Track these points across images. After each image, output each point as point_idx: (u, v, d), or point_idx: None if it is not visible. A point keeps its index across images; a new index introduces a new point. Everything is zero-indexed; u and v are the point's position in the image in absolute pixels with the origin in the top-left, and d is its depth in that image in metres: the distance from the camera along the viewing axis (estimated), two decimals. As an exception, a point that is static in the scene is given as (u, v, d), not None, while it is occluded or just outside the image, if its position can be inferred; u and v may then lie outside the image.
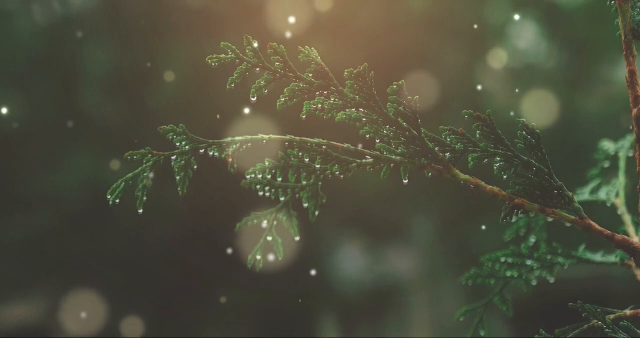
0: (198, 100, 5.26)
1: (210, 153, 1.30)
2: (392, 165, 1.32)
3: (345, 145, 1.31)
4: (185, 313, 5.56)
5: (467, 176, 1.33)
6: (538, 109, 5.68)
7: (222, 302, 5.55)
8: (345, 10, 5.41)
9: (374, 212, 5.75)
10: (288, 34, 4.90)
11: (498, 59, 5.75)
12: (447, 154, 1.32)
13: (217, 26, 5.29)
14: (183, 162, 1.30)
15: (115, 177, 1.40)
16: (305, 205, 1.34)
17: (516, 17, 5.96)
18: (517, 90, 5.80)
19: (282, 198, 1.33)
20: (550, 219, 1.37)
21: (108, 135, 5.39)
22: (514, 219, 1.34)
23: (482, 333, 1.72)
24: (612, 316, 1.37)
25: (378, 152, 1.31)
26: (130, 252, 5.31)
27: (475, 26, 5.61)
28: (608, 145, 1.94)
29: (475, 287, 1.72)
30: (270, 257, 1.46)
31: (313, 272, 5.62)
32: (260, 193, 1.32)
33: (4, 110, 5.37)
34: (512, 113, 5.18)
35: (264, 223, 1.34)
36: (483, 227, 5.30)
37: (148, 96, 5.41)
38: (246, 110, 5.07)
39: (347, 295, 5.83)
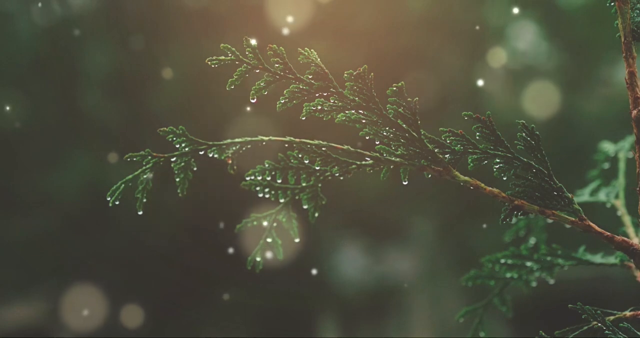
0: (198, 101, 5.26)
1: (210, 155, 1.30)
2: (392, 166, 1.32)
3: (345, 146, 1.32)
4: (185, 313, 5.56)
5: (466, 177, 1.33)
6: (538, 110, 5.68)
7: (222, 302, 5.55)
8: (345, 11, 5.41)
9: (374, 212, 5.75)
10: (288, 35, 4.90)
11: (498, 60, 5.75)
12: (447, 155, 1.32)
13: (217, 27, 5.29)
14: (183, 163, 1.30)
15: (115, 178, 1.40)
16: (305, 206, 1.34)
17: (516, 18, 5.96)
18: (516, 92, 5.80)
19: (282, 200, 1.33)
20: (550, 221, 1.37)
21: (108, 136, 5.39)
22: (513, 220, 1.34)
23: (482, 334, 1.72)
24: (612, 317, 1.37)
25: (378, 154, 1.31)
26: (130, 252, 5.31)
27: (476, 27, 5.61)
28: (608, 147, 1.94)
29: (475, 288, 1.72)
30: (271, 258, 1.46)
31: (313, 273, 5.62)
32: (260, 194, 1.32)
33: (5, 111, 5.37)
34: (511, 114, 5.18)
35: (264, 224, 1.35)
36: (483, 227, 5.30)
37: (148, 97, 5.41)
38: (246, 111, 5.08)
39: (347, 296, 5.83)
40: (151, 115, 5.34)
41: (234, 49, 1.31)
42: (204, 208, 5.36)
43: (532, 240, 1.84)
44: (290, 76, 1.31)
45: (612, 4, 1.37)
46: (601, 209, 1.82)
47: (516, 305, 1.77)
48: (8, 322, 5.46)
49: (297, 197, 1.33)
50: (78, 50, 5.46)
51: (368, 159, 1.31)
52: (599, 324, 1.31)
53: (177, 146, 1.31)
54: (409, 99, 1.30)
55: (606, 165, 1.91)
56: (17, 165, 5.30)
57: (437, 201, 5.69)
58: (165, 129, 1.30)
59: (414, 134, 1.31)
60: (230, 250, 4.93)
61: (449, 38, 5.64)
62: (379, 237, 5.94)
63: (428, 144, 1.31)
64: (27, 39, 5.49)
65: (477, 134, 1.32)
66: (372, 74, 1.31)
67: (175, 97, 5.33)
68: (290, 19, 5.14)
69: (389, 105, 1.31)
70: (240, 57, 1.31)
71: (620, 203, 1.77)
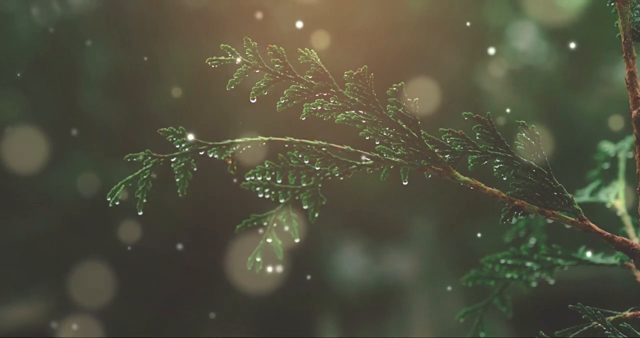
0: (198, 101, 5.26)
1: (210, 155, 1.30)
2: (392, 166, 1.32)
3: (345, 147, 1.32)
4: (185, 313, 5.56)
5: (466, 178, 1.33)
6: (538, 111, 5.68)
7: (222, 303, 5.55)
8: (345, 11, 5.41)
9: (374, 212, 5.75)
10: (288, 35, 4.90)
11: (498, 60, 5.75)
12: (447, 155, 1.32)
13: (217, 27, 5.29)
14: (183, 164, 1.30)
15: (115, 178, 1.40)
16: (305, 206, 1.34)
17: (516, 18, 5.96)
18: (516, 92, 5.80)
19: (282, 200, 1.33)
20: (550, 221, 1.37)
21: (108, 136, 5.39)
22: (514, 221, 1.34)
23: (482, 335, 1.72)
24: (612, 318, 1.37)
25: (378, 154, 1.31)
26: (130, 252, 5.31)
27: (476, 27, 5.61)
28: (608, 147, 1.94)
29: (475, 288, 1.72)
30: (271, 259, 1.46)
31: (313, 273, 5.62)
32: (261, 195, 1.32)
33: (4, 111, 5.37)
34: (511, 114, 5.18)
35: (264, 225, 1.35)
36: (483, 229, 5.30)
37: (148, 97, 5.41)
38: (246, 112, 5.08)
39: (347, 296, 5.83)
40: (151, 115, 5.34)
41: (233, 49, 1.31)
42: (204, 208, 5.36)
43: (532, 241, 1.85)
44: (290, 76, 1.31)
45: (612, 4, 1.37)
46: (601, 209, 1.82)
47: (516, 305, 1.77)
48: (8, 322, 5.46)
49: (297, 198, 1.33)
50: (78, 50, 5.46)
51: (368, 159, 1.31)
52: (599, 324, 1.31)
53: (177, 146, 1.31)
54: (409, 99, 1.30)
55: (606, 165, 1.91)
56: (17, 165, 5.31)
57: (437, 201, 5.69)
58: (165, 129, 1.30)
59: (414, 134, 1.31)
60: (230, 251, 4.93)
61: (449, 38, 5.64)
62: (379, 237, 5.94)
63: (428, 144, 1.31)
64: (27, 39, 5.49)
65: (477, 134, 1.32)
66: (372, 74, 1.31)
67: (175, 97, 5.33)
68: (290, 19, 5.14)
69: (389, 105, 1.31)
70: (240, 57, 1.31)
71: (620, 204, 1.77)
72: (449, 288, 5.28)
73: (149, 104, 5.39)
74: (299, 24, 5.14)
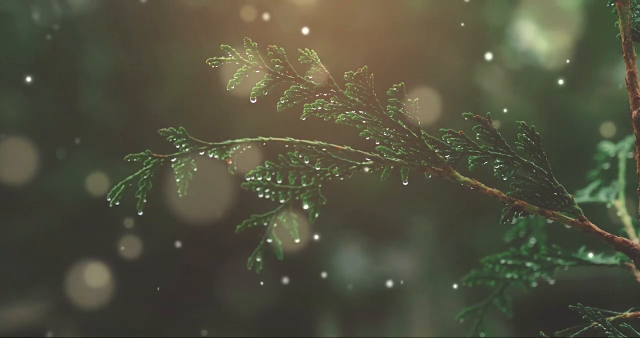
0: (198, 101, 5.26)
1: (211, 155, 1.31)
2: (392, 167, 1.32)
3: (345, 147, 1.32)
4: (185, 313, 5.56)
5: (467, 178, 1.33)
6: (538, 111, 5.68)
7: (221, 302, 5.55)
8: (345, 10, 5.41)
9: (374, 213, 5.75)
10: (288, 35, 4.90)
11: (498, 60, 5.75)
12: (447, 156, 1.33)
13: (217, 27, 5.29)
14: (183, 164, 1.30)
15: (115, 178, 1.40)
16: (306, 207, 1.34)
17: (516, 18, 5.96)
18: (516, 92, 5.80)
19: (282, 200, 1.33)
20: (550, 221, 1.37)
21: (108, 136, 5.39)
22: (514, 221, 1.34)
23: (482, 335, 1.72)
24: (612, 318, 1.37)
25: (378, 155, 1.31)
26: (130, 253, 5.31)
27: (475, 27, 5.61)
28: (608, 147, 1.94)
29: (475, 288, 1.72)
30: (271, 258, 1.46)
31: (313, 273, 5.62)
32: (261, 195, 1.32)
33: (4, 111, 5.37)
34: (511, 114, 5.18)
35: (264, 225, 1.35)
36: (483, 229, 5.30)
37: (149, 97, 5.41)
38: (246, 112, 5.08)
39: (347, 296, 5.82)
40: (151, 115, 5.34)
41: (233, 49, 1.31)
42: (204, 208, 5.36)
43: (532, 241, 1.85)
44: (291, 77, 1.31)
45: (612, 4, 1.37)
46: (601, 209, 1.82)
47: (516, 305, 1.77)
48: (8, 322, 5.46)
49: (297, 198, 1.33)
50: (78, 50, 5.46)
51: (368, 159, 1.31)
52: (599, 325, 1.31)
53: (177, 147, 1.31)
54: (409, 100, 1.30)
55: (606, 166, 1.91)
56: (16, 165, 5.30)
57: (437, 201, 5.69)
58: (165, 129, 1.30)
59: (414, 134, 1.31)
60: (230, 251, 4.93)
61: (449, 38, 5.64)
62: (379, 237, 5.94)
63: (428, 145, 1.31)
64: (27, 39, 5.49)
65: (477, 134, 1.32)
66: (372, 74, 1.31)
67: (175, 97, 5.33)
68: (290, 19, 5.14)
69: (389, 105, 1.31)
70: (241, 57, 1.31)
71: (620, 204, 1.77)
72: (455, 286, 5.28)
73: (149, 104, 5.39)
74: (299, 24, 5.14)
